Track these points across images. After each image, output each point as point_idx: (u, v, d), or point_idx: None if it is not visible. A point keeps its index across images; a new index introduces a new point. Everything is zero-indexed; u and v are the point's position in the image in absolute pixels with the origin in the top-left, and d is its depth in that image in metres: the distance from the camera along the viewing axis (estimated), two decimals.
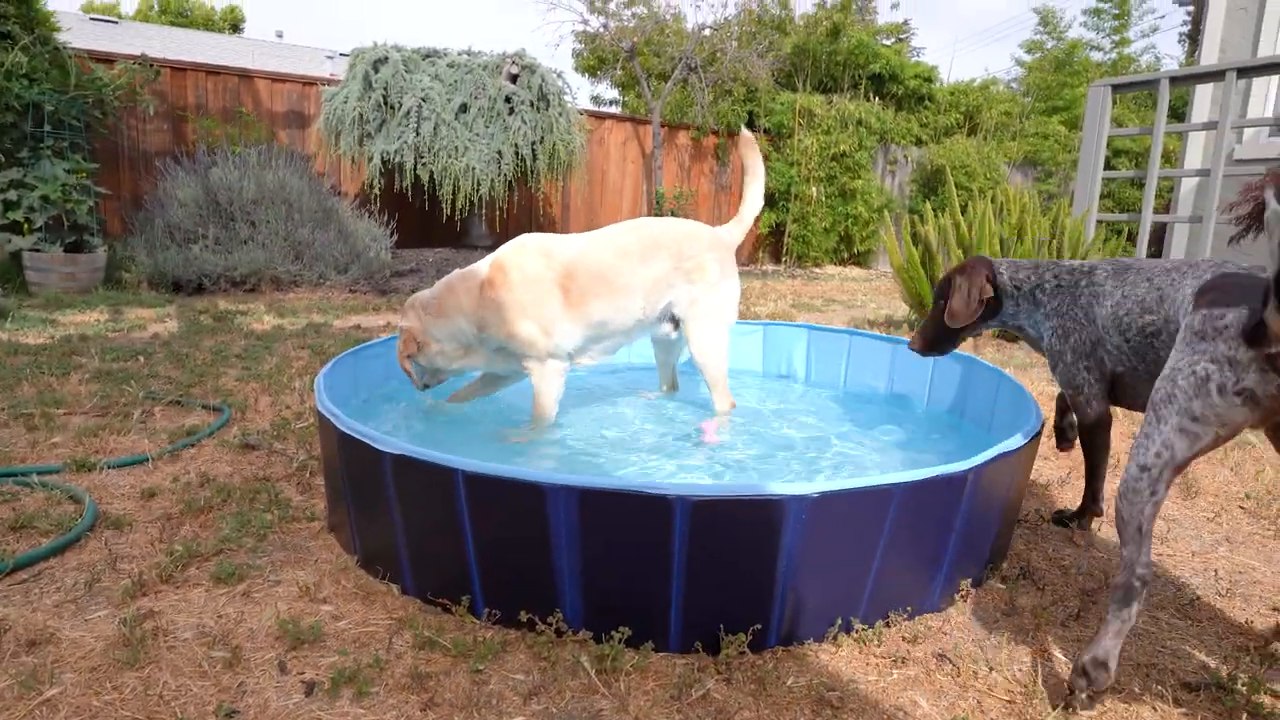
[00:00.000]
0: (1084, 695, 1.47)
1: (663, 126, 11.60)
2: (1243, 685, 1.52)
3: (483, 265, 2.57)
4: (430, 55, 8.68)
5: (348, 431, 1.86)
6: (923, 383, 3.05)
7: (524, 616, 1.64)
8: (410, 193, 8.50)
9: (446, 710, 1.42)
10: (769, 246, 12.63)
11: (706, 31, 12.23)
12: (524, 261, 2.50)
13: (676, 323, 2.83)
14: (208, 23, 29.31)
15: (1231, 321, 1.48)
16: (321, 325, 5.36)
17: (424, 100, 8.22)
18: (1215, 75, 5.22)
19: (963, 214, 5.72)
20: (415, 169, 8.25)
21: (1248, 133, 6.62)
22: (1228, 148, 5.14)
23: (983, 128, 14.12)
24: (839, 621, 1.64)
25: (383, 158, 8.21)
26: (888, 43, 15.83)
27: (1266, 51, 6.61)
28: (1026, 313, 2.20)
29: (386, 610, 1.76)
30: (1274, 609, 1.90)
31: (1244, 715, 1.46)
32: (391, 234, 8.34)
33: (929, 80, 14.06)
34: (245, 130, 8.35)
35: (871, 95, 13.34)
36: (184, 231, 7.09)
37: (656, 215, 10.95)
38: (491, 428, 2.78)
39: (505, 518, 1.62)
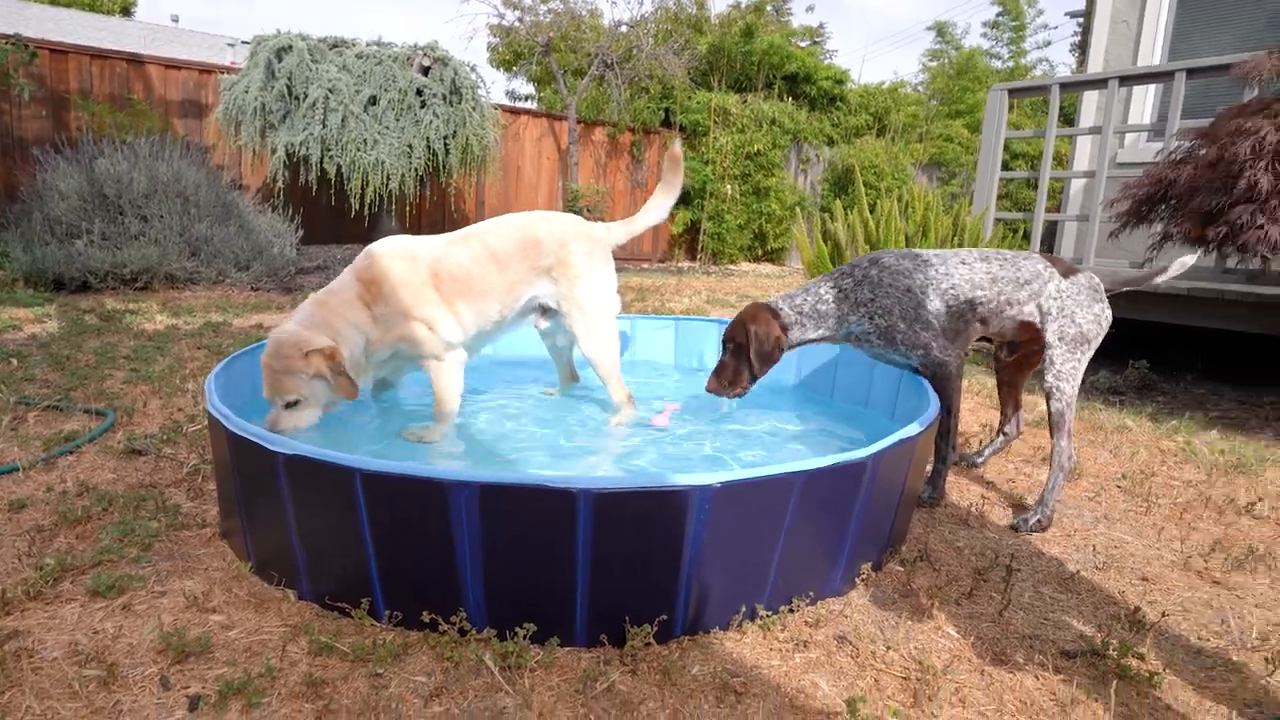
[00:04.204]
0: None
1: (579, 123, 11.56)
2: (1114, 651, 1.62)
3: (348, 280, 2.51)
4: (337, 45, 8.40)
5: (239, 432, 1.78)
6: (829, 374, 3.13)
7: (426, 617, 1.60)
8: (317, 187, 8.21)
9: (343, 716, 1.37)
10: (684, 244, 12.76)
11: (623, 28, 12.25)
12: (392, 267, 2.50)
13: (544, 311, 2.84)
14: (94, 5, 27.52)
15: (1100, 283, 2.48)
16: (220, 324, 5.12)
17: (331, 91, 7.95)
18: (1099, 83, 5.53)
19: (870, 212, 5.91)
20: (322, 162, 7.98)
21: (1129, 137, 7.05)
22: (1111, 151, 5.46)
23: (891, 129, 14.61)
24: (744, 609, 1.66)
25: (287, 150, 7.90)
26: (803, 45, 16.20)
27: (1145, 62, 7.05)
28: (814, 326, 2.50)
29: (281, 617, 1.69)
30: (1143, 579, 2.03)
31: (1114, 678, 1.56)
32: (297, 230, 8.03)
33: (841, 82, 14.46)
34: (137, 119, 7.89)
35: (785, 95, 13.63)
36: (66, 225, 6.64)
37: (573, 212, 10.90)
38: (393, 426, 2.71)
39: (405, 517, 1.58)
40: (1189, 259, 2.49)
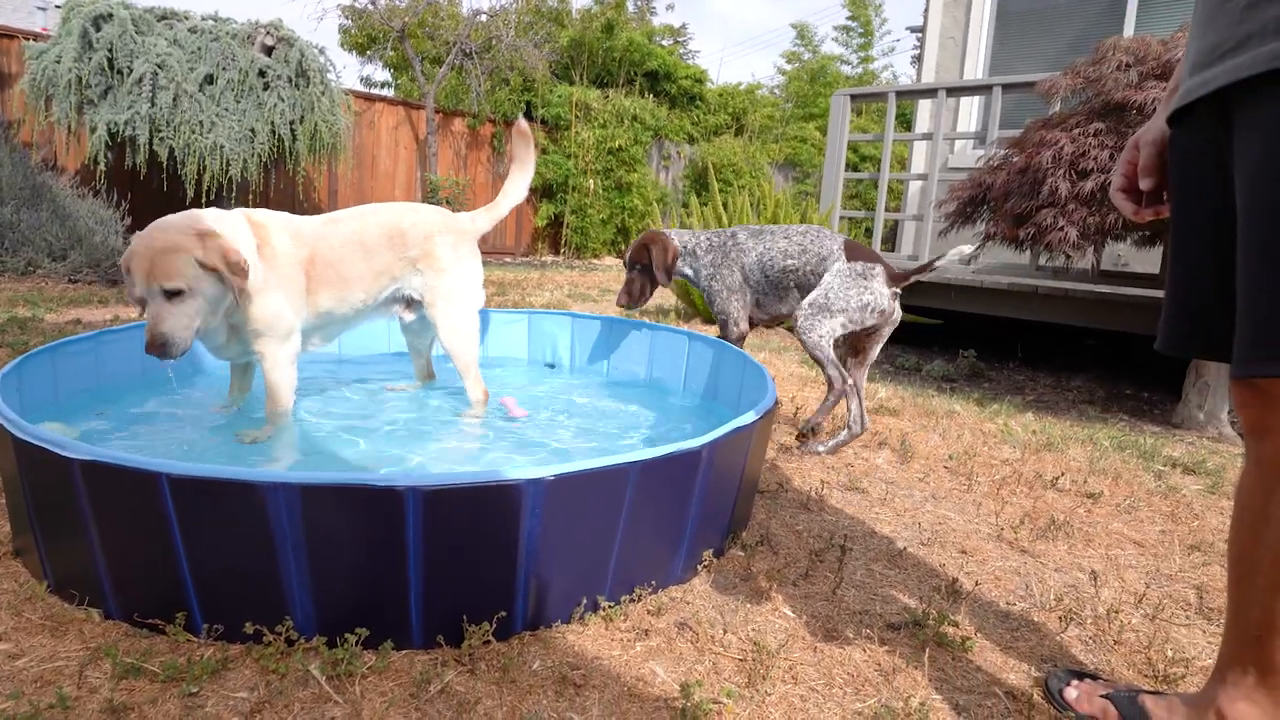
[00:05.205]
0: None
1: (438, 113, 11.25)
2: (932, 620, 1.73)
3: (234, 211, 2.34)
4: (167, 17, 7.76)
5: (27, 439, 1.60)
6: (678, 367, 3.19)
7: (250, 628, 1.50)
8: (146, 170, 7.55)
9: None
10: (548, 238, 12.69)
11: (482, 17, 12.00)
12: (279, 238, 2.39)
13: (409, 304, 2.77)
14: None
15: (879, 271, 2.80)
16: (28, 320, 4.62)
17: (160, 67, 7.33)
18: (930, 92, 5.94)
19: (725, 209, 6.08)
20: (152, 144, 7.35)
21: (958, 143, 7.61)
22: (942, 157, 5.88)
23: (749, 129, 15.11)
24: (585, 601, 1.66)
25: (109, 129, 7.22)
26: (665, 43, 16.45)
27: (969, 75, 7.64)
28: (689, 265, 3.13)
29: (82, 640, 1.54)
30: (962, 551, 2.20)
31: (932, 645, 1.67)
32: (124, 217, 7.36)
33: (700, 81, 14.80)
34: None
35: (646, 92, 13.80)
36: None
37: (432, 204, 10.60)
38: (222, 428, 2.53)
39: (221, 523, 1.47)
40: (966, 248, 2.86)
